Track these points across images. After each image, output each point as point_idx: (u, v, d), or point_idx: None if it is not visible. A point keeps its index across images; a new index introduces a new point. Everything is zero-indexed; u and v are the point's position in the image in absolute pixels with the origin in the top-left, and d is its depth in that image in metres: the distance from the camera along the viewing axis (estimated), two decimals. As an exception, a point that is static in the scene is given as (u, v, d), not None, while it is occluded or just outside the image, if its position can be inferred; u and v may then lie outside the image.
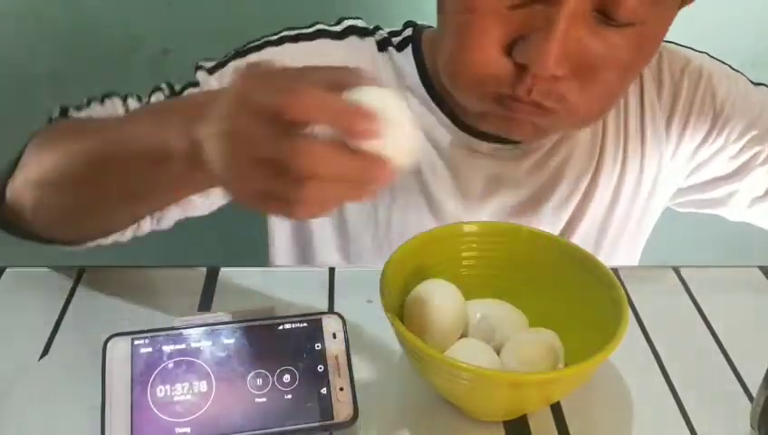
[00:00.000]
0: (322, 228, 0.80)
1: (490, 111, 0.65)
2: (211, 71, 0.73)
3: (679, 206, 0.85)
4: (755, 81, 0.78)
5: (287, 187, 0.43)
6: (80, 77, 1.21)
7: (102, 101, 0.72)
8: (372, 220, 0.78)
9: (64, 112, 0.72)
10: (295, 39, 0.76)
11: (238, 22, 1.19)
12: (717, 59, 0.78)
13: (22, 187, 0.64)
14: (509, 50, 0.59)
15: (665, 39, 0.77)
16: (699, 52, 0.78)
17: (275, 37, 0.76)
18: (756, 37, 1.27)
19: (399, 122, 0.43)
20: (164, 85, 0.73)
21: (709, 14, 1.19)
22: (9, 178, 0.65)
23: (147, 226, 0.71)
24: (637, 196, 0.79)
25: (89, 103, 0.72)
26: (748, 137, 0.75)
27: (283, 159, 0.42)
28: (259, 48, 0.75)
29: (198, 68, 0.74)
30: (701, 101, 0.76)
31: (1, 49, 1.19)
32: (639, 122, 0.77)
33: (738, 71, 0.78)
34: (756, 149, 0.75)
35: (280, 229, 0.81)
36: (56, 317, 0.62)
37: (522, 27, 0.58)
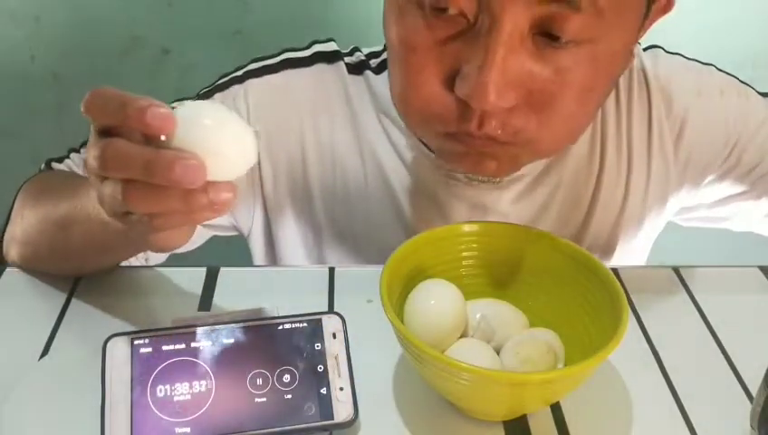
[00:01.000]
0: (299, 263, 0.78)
1: (448, 148, 0.60)
2: None
3: (684, 221, 0.82)
4: (754, 81, 0.77)
5: (114, 194, 0.44)
6: (80, 77, 1.21)
7: (80, 149, 0.74)
8: (352, 254, 0.76)
9: (49, 165, 0.75)
10: (259, 73, 0.74)
11: (238, 22, 1.19)
12: (725, 72, 0.76)
13: (9, 244, 0.68)
14: (451, 85, 0.55)
15: (676, 52, 0.76)
16: (706, 64, 0.76)
17: (240, 73, 0.74)
18: (757, 37, 1.27)
19: (219, 130, 0.43)
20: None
21: (708, 13, 1.19)
22: (4, 235, 0.69)
23: (137, 264, 0.72)
24: (641, 223, 0.76)
25: (69, 154, 0.76)
26: (760, 155, 0.73)
27: (92, 162, 0.44)
28: (224, 87, 0.74)
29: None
30: (712, 122, 0.73)
31: (1, 49, 1.19)
32: (646, 146, 0.73)
33: (746, 83, 0.76)
34: None
35: (257, 259, 0.80)
36: (56, 317, 0.62)
37: (459, 60, 0.54)
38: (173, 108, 0.43)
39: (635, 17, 0.56)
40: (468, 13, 0.52)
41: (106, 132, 0.45)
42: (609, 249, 0.77)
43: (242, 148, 0.44)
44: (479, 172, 0.63)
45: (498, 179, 0.70)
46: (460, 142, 0.59)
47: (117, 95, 0.43)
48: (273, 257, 0.79)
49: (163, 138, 0.42)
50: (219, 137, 0.43)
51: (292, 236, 0.76)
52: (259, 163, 0.73)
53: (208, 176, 0.42)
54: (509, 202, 0.72)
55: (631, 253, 0.79)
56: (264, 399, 0.51)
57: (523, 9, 0.50)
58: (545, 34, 0.52)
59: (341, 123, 0.73)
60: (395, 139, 0.72)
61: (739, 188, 0.76)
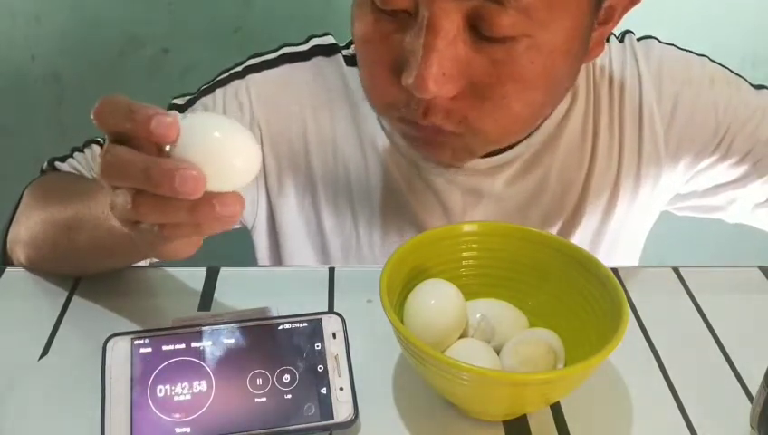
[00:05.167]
0: (302, 254, 0.78)
1: (407, 133, 0.65)
2: (182, 109, 0.74)
3: (678, 210, 0.83)
4: (754, 80, 0.77)
5: (125, 204, 0.44)
6: (80, 77, 1.21)
7: (83, 149, 0.74)
8: (354, 241, 0.77)
9: (52, 163, 0.75)
10: (259, 68, 0.75)
11: (238, 21, 1.19)
12: (717, 62, 0.77)
13: (13, 244, 0.67)
14: (400, 76, 0.58)
15: (667, 42, 0.77)
16: (699, 55, 0.76)
17: (240, 68, 0.75)
18: (757, 36, 1.27)
19: (224, 140, 0.43)
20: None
21: (708, 12, 1.19)
22: (7, 235, 0.69)
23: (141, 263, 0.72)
24: (632, 206, 0.77)
25: (72, 153, 0.75)
26: (750, 144, 0.74)
27: (97, 169, 0.45)
28: (225, 82, 0.74)
29: (170, 107, 0.74)
30: (703, 110, 0.74)
31: (1, 49, 1.19)
32: (637, 132, 0.74)
33: (738, 74, 0.76)
34: (759, 155, 0.74)
35: (262, 257, 0.80)
36: (56, 317, 0.62)
37: (405, 52, 0.57)
38: (185, 117, 0.43)
39: (572, 14, 0.57)
40: (409, 8, 0.56)
41: (120, 142, 0.44)
42: (602, 233, 0.78)
43: (246, 158, 0.43)
44: (436, 159, 0.67)
45: (459, 166, 0.70)
46: (412, 128, 0.63)
47: (125, 103, 0.43)
48: (276, 249, 0.79)
49: (168, 148, 0.42)
50: (224, 147, 0.43)
51: (295, 225, 0.77)
52: (262, 154, 0.74)
53: (213, 186, 0.42)
54: (502, 186, 0.73)
55: (624, 242, 0.79)
56: (264, 399, 0.51)
57: (455, 3, 0.54)
58: (477, 29, 0.56)
59: (341, 114, 0.75)
60: (389, 127, 0.73)
61: (729, 177, 0.76)
